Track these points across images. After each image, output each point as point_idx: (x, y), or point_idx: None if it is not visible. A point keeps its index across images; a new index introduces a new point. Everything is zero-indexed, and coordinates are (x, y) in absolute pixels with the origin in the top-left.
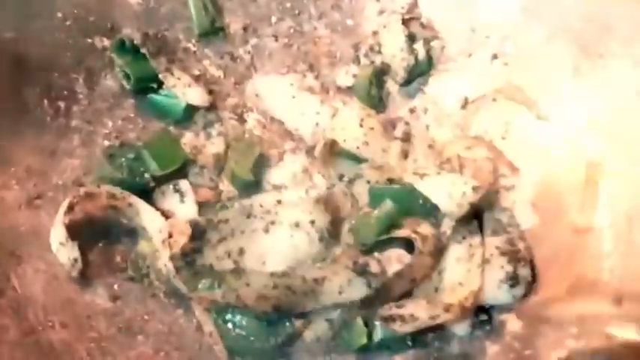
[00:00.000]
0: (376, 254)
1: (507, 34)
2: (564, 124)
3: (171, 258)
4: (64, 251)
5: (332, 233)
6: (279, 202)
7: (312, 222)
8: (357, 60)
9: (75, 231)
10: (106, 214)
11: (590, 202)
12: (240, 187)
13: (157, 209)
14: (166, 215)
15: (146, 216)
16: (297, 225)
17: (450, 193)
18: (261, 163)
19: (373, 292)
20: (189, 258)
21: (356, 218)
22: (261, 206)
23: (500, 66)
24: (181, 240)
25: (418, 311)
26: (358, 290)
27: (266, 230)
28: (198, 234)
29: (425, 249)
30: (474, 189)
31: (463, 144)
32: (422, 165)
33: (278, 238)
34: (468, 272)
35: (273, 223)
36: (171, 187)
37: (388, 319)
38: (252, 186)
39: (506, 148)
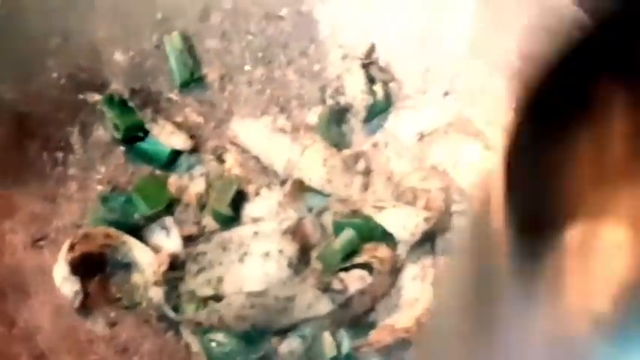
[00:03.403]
0: (341, 274)
1: (457, 72)
2: None
3: (155, 284)
4: (68, 285)
5: (303, 260)
6: (255, 233)
7: (281, 251)
8: (323, 101)
9: (75, 267)
10: (102, 251)
11: None
12: (221, 221)
13: (147, 245)
14: (155, 250)
15: (137, 251)
16: (267, 255)
17: (404, 225)
18: (240, 199)
19: (337, 308)
20: (171, 285)
21: (321, 247)
22: (238, 238)
23: (452, 101)
24: (161, 270)
25: (384, 338)
26: (324, 306)
27: (241, 260)
28: (179, 265)
29: (383, 270)
30: (426, 220)
31: (419, 175)
32: (381, 196)
33: (251, 267)
34: (422, 290)
35: (246, 254)
36: (158, 224)
37: (357, 349)
38: (231, 220)
39: (458, 176)
